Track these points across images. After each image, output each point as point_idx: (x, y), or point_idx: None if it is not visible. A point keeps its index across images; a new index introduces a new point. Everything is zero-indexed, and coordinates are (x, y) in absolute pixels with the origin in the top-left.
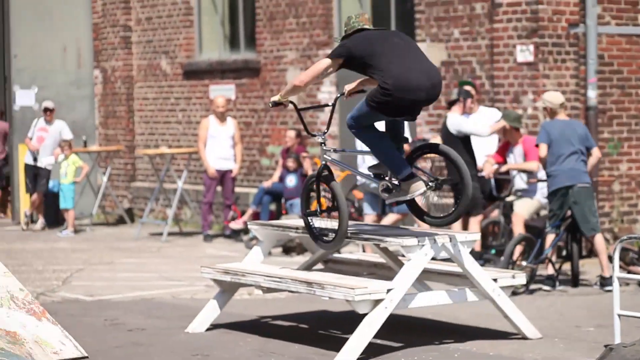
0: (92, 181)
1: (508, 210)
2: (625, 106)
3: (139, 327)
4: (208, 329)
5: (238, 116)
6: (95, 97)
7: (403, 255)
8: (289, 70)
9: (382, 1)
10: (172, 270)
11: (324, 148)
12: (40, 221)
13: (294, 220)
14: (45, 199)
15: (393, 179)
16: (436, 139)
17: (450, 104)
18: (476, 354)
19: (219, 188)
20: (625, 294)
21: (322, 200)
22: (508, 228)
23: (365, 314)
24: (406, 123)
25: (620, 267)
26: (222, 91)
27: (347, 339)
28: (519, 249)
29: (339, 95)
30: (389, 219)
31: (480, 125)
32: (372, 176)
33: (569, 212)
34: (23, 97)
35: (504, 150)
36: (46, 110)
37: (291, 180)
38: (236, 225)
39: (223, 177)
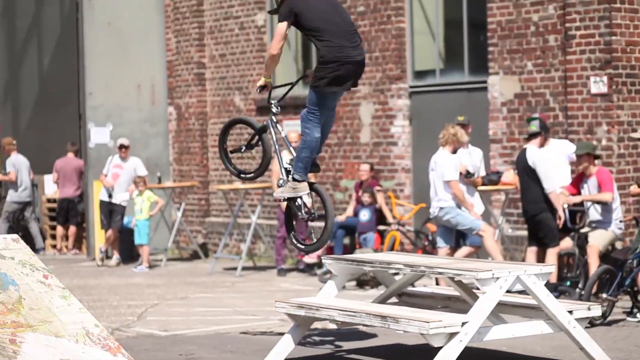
0: (166, 217)
1: (583, 241)
2: None
3: None
4: None
5: None
6: (170, 133)
7: (477, 288)
8: (361, 104)
9: (455, 34)
10: (246, 304)
11: (273, 115)
12: (115, 257)
13: (368, 254)
14: (120, 235)
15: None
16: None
17: (530, 137)
18: None
19: None
20: None
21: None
22: (583, 260)
23: (440, 347)
24: (480, 156)
25: None
26: (296, 126)
27: None
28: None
29: (302, 76)
30: (463, 251)
31: (551, 182)
32: (286, 170)
33: None
34: (98, 135)
35: (578, 181)
36: (121, 147)
37: (365, 215)
38: (310, 259)
39: None
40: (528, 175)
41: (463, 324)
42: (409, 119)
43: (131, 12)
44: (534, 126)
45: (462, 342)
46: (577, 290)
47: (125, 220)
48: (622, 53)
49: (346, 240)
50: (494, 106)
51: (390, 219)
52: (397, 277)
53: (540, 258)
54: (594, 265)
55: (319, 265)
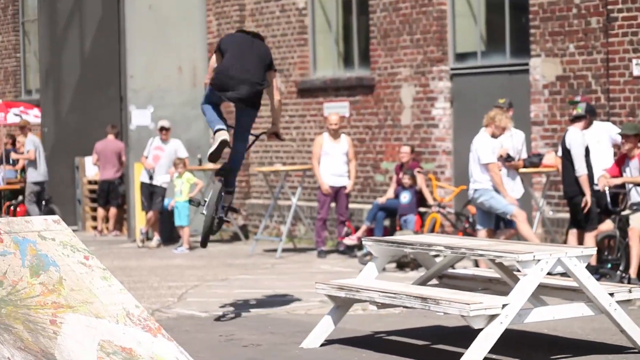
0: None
1: (624, 224)
2: None
3: (254, 342)
4: (322, 345)
5: (352, 133)
6: None
7: (518, 270)
8: (402, 87)
9: (497, 16)
10: (286, 286)
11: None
12: (156, 238)
13: (409, 236)
14: (161, 217)
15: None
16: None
17: (575, 119)
18: None
19: (333, 204)
20: None
21: None
22: (624, 242)
23: (481, 329)
24: (522, 139)
25: None
26: (336, 108)
27: (462, 354)
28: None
29: (262, 133)
30: (503, 233)
31: (582, 165)
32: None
33: None
34: (139, 117)
35: (620, 163)
36: (162, 129)
37: (405, 197)
38: (350, 241)
39: (337, 193)
40: (566, 157)
41: (504, 306)
42: (450, 102)
43: None
44: (580, 109)
45: (503, 324)
46: (618, 272)
47: (166, 201)
48: None
49: (386, 222)
50: (535, 88)
51: (430, 201)
52: (437, 259)
53: (581, 240)
54: (635, 247)
55: (359, 247)
